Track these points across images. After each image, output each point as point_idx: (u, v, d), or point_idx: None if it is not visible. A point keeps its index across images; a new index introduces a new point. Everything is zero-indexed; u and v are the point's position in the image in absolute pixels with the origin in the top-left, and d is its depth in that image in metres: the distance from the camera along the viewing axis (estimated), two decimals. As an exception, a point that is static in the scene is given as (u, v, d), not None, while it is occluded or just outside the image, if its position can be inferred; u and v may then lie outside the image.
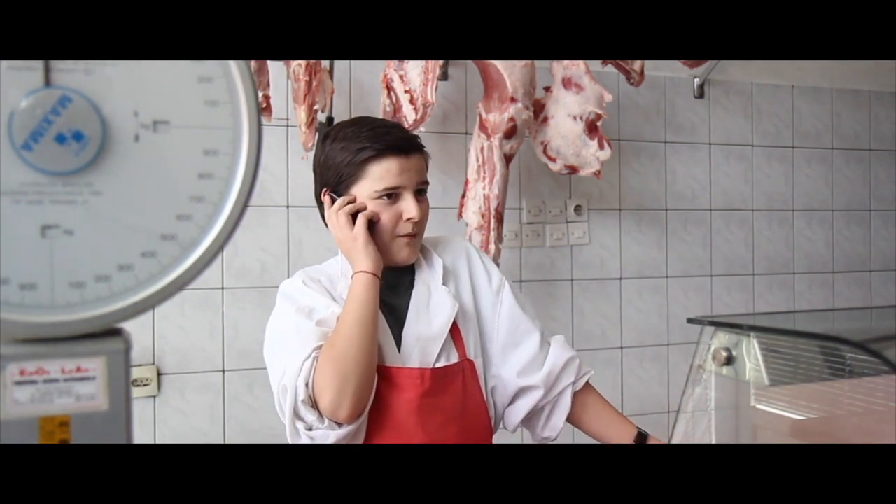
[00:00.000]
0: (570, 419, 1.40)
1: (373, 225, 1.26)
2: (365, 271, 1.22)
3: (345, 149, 1.26)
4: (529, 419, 1.40)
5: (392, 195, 1.26)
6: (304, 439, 1.20)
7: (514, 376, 1.36)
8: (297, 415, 1.18)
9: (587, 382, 1.41)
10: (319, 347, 1.18)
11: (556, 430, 1.39)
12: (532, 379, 1.35)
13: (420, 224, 1.29)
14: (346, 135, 1.27)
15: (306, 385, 1.16)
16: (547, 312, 2.36)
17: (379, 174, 1.24)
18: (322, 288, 1.29)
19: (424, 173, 1.31)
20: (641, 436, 1.34)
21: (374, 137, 1.25)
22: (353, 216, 1.26)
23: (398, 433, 1.24)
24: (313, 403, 1.17)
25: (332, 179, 1.28)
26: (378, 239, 1.26)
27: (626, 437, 1.35)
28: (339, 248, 1.29)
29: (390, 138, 1.26)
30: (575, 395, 1.38)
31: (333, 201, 1.28)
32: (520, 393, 1.37)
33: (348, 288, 1.26)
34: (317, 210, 1.35)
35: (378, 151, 1.24)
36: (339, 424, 1.17)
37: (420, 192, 1.30)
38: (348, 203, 1.26)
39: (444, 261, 1.37)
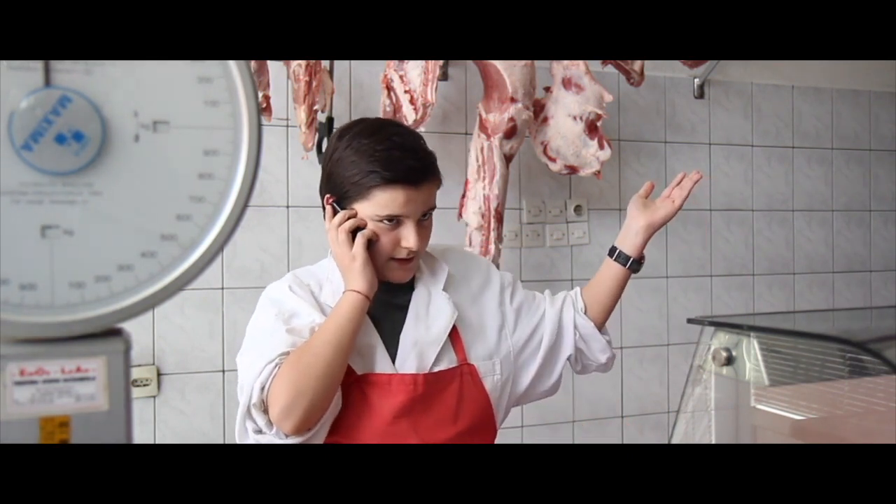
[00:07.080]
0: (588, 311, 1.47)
1: (371, 243, 1.23)
2: (358, 291, 1.20)
3: (355, 164, 1.21)
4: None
5: (394, 220, 1.23)
6: (251, 440, 1.19)
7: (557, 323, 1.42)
8: (248, 414, 1.17)
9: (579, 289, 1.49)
10: (285, 354, 1.17)
11: (604, 354, 1.45)
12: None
13: (418, 250, 1.26)
14: (360, 147, 1.22)
15: (262, 389, 1.15)
16: (547, 312, 2.36)
17: (383, 202, 1.20)
18: (309, 293, 1.27)
19: (432, 200, 1.27)
20: (614, 250, 1.50)
21: (387, 163, 1.20)
22: (353, 231, 1.23)
23: (390, 436, 1.23)
24: (265, 408, 1.16)
25: (337, 189, 1.24)
26: (374, 258, 1.24)
27: (609, 272, 1.50)
28: (336, 262, 1.27)
29: (402, 168, 1.20)
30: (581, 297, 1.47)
31: (335, 211, 1.25)
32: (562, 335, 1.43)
33: (333, 294, 1.26)
34: (316, 210, 1.34)
35: (386, 181, 1.20)
36: (286, 434, 1.16)
37: (424, 216, 1.26)
38: (349, 219, 1.23)
39: (450, 268, 1.36)
